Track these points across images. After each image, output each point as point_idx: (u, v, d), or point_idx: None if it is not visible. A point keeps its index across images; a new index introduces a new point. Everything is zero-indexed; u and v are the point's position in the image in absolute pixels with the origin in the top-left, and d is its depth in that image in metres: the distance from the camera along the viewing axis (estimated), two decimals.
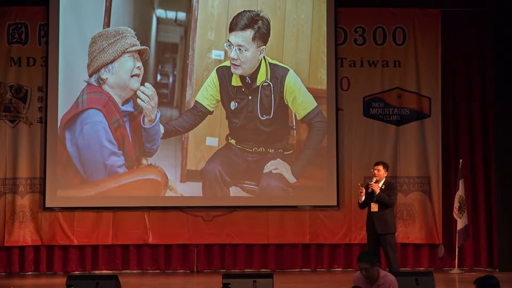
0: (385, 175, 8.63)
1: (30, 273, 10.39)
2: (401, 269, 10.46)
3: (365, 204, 8.57)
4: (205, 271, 10.57)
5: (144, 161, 10.46)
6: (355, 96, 10.79)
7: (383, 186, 8.52)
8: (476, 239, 10.69)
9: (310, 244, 10.59)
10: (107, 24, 10.48)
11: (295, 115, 10.61)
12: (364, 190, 8.49)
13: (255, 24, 10.56)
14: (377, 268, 5.79)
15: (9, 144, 10.44)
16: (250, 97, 10.55)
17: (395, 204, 8.53)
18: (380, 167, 8.58)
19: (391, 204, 8.45)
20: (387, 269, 8.31)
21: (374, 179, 8.50)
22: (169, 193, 10.44)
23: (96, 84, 10.40)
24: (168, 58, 10.73)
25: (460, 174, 10.40)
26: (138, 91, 10.43)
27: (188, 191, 10.47)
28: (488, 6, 10.77)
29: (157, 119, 10.45)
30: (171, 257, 10.55)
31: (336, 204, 10.55)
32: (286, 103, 10.58)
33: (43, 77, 10.50)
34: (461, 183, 10.37)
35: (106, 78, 10.39)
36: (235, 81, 10.54)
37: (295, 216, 10.58)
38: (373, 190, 8.41)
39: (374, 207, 8.41)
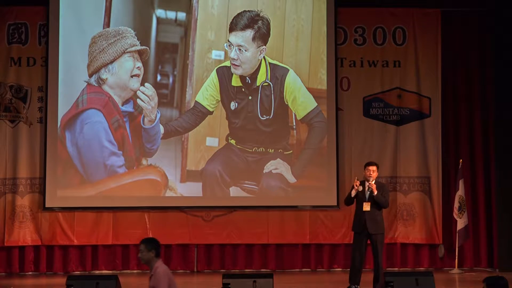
0: (376, 175, 8.52)
1: (30, 273, 10.39)
2: (401, 269, 10.52)
3: (352, 202, 8.50)
4: (205, 271, 10.57)
5: (144, 161, 10.45)
6: (355, 96, 10.79)
7: None
8: (476, 239, 10.69)
9: (310, 244, 10.59)
10: (107, 24, 10.48)
11: (295, 115, 10.61)
12: (359, 185, 8.38)
13: (255, 24, 10.56)
14: None
15: (9, 144, 10.44)
16: (250, 97, 10.55)
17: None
18: (375, 168, 8.44)
19: (387, 205, 8.44)
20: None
21: (372, 179, 8.42)
22: (169, 193, 10.43)
23: (96, 84, 10.39)
24: (168, 58, 10.72)
25: (460, 174, 10.40)
26: (138, 91, 10.43)
27: (188, 191, 10.46)
28: (488, 6, 10.78)
29: (157, 119, 10.45)
30: (171, 257, 10.54)
31: (336, 204, 10.55)
32: (286, 103, 10.58)
33: (43, 77, 10.50)
34: (461, 183, 10.37)
35: (106, 78, 10.39)
36: (235, 81, 10.53)
37: (295, 216, 10.58)
38: (372, 191, 8.36)
39: (367, 207, 8.31)
